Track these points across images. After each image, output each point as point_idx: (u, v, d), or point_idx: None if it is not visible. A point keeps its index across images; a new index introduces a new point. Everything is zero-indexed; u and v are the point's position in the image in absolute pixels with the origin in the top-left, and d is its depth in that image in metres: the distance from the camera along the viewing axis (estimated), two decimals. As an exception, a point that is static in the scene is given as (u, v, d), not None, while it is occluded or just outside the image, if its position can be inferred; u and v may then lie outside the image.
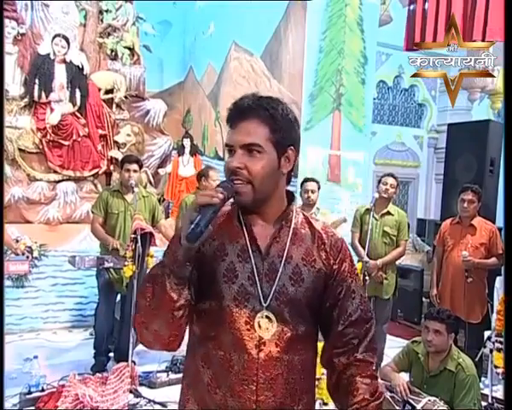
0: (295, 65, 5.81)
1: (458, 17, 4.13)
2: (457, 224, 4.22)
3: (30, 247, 5.01)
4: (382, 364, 4.15)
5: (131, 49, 6.39)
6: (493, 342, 3.28)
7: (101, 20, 6.22)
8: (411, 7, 4.70)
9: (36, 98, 5.62)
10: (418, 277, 6.13)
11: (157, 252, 3.84)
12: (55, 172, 5.73)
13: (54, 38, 5.70)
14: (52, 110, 5.69)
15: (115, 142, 6.16)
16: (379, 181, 4.30)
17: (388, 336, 4.40)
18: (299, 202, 4.44)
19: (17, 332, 4.83)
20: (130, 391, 3.48)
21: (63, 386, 3.32)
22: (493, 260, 4.04)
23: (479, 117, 8.19)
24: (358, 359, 1.26)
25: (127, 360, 3.60)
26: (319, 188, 4.33)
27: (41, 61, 5.64)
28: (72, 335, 5.00)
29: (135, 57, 6.44)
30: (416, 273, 6.19)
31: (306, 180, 4.33)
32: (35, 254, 5.05)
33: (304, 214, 1.32)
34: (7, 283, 4.64)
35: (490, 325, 3.94)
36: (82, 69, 5.87)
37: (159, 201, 4.66)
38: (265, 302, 1.19)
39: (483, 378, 3.81)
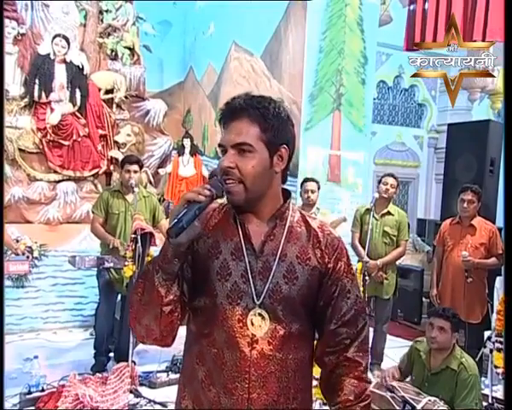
0: (295, 65, 5.81)
1: (458, 17, 4.13)
2: (457, 224, 4.22)
3: (30, 247, 5.00)
4: (382, 364, 4.17)
5: (131, 49, 6.39)
6: (493, 342, 3.28)
7: (102, 20, 6.23)
8: (411, 7, 4.71)
9: (36, 98, 5.61)
10: (418, 277, 6.13)
11: (157, 252, 3.82)
12: (56, 172, 5.73)
13: (54, 38, 5.69)
14: (52, 110, 5.68)
15: (115, 142, 6.16)
16: (379, 181, 4.30)
17: (388, 336, 4.38)
18: (299, 201, 4.44)
19: (17, 332, 4.83)
20: (131, 391, 3.47)
21: (63, 386, 3.32)
22: (493, 260, 4.04)
23: (479, 117, 8.18)
24: (348, 358, 1.26)
25: (127, 360, 3.60)
26: (319, 188, 4.33)
27: (41, 61, 5.64)
28: (72, 335, 4.99)
29: (135, 57, 6.44)
30: (416, 273, 6.18)
31: (306, 180, 4.33)
32: (35, 254, 5.04)
33: (301, 213, 1.32)
34: (7, 283, 4.63)
35: (490, 325, 3.93)
36: (82, 69, 5.87)
37: (159, 201, 4.66)
38: (258, 300, 1.19)
39: (483, 378, 3.79)
